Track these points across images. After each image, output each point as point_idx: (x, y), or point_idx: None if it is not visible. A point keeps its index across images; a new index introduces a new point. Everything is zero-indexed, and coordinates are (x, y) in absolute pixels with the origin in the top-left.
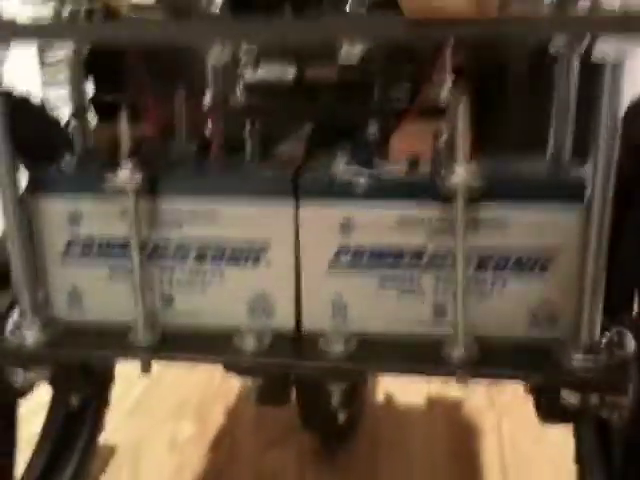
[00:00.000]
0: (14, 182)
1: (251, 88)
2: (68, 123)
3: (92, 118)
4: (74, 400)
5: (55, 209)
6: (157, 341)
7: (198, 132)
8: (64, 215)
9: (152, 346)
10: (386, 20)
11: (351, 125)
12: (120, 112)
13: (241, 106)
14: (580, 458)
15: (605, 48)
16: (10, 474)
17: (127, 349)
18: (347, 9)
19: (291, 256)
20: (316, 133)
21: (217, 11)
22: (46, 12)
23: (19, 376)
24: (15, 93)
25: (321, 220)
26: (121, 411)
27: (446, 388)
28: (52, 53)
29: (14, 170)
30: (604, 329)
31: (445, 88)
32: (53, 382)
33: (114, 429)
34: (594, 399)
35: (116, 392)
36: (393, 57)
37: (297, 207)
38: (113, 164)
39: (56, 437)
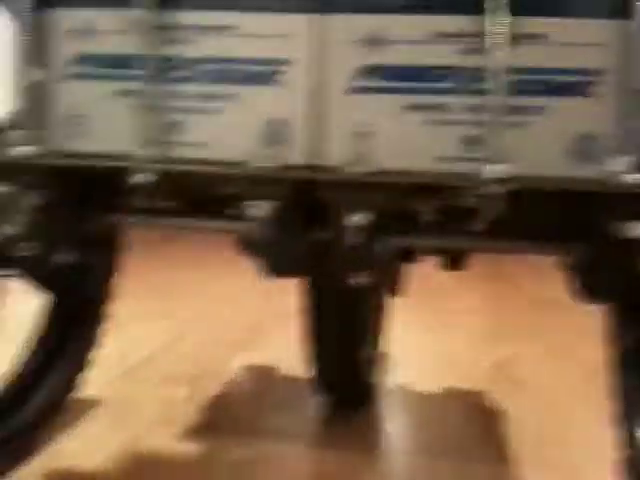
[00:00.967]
0: None
1: None
2: None
3: None
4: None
5: (65, 23)
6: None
7: None
8: (74, 29)
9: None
10: None
11: None
12: None
13: None
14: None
15: None
16: None
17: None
18: None
19: (312, 76)
20: None
21: None
22: None
23: None
24: None
25: (347, 34)
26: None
27: None
28: None
29: None
30: None
31: None
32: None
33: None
34: None
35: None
36: None
37: (321, 19)
38: None
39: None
